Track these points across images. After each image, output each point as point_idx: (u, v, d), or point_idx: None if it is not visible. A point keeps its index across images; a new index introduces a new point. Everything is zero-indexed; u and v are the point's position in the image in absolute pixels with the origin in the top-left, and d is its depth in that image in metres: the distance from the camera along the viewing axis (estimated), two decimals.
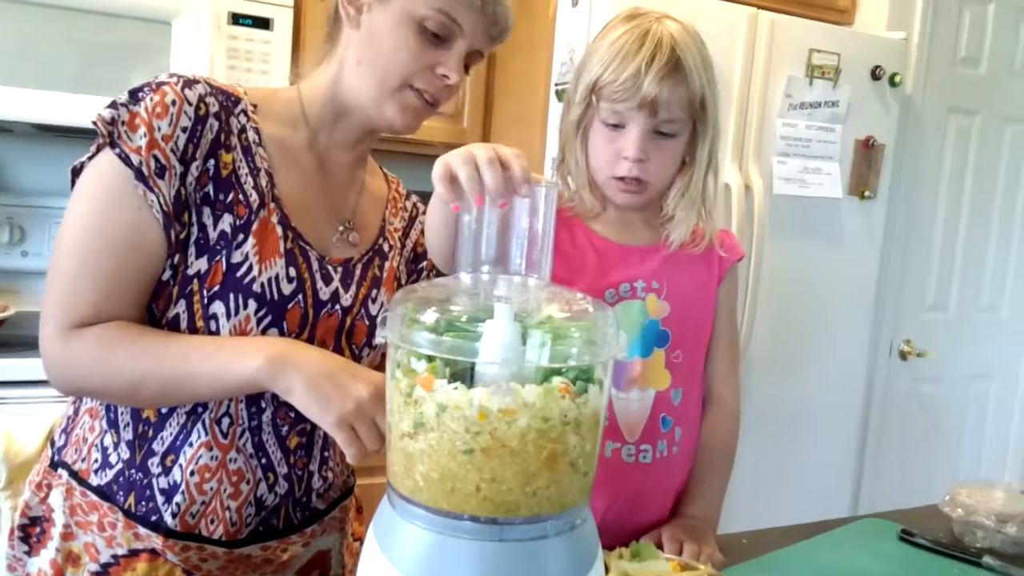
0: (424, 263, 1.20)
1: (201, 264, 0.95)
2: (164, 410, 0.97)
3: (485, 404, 0.63)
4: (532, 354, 0.65)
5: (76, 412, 1.03)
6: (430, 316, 0.67)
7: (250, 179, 0.98)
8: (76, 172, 0.96)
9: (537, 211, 0.76)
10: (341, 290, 1.05)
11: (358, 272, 1.08)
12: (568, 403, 0.65)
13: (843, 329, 2.55)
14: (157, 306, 0.96)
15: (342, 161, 1.09)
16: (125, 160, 0.91)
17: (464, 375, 0.67)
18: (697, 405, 1.25)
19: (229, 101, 0.99)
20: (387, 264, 1.13)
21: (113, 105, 0.93)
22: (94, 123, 0.92)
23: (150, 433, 0.97)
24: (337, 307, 1.04)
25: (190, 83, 0.95)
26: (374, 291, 1.09)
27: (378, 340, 0.69)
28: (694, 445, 1.25)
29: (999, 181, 2.93)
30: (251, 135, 1.00)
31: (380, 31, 0.99)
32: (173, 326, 0.95)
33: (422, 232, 1.18)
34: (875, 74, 2.40)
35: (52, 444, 1.06)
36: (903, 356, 2.80)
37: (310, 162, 1.06)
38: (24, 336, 1.92)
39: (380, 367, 0.99)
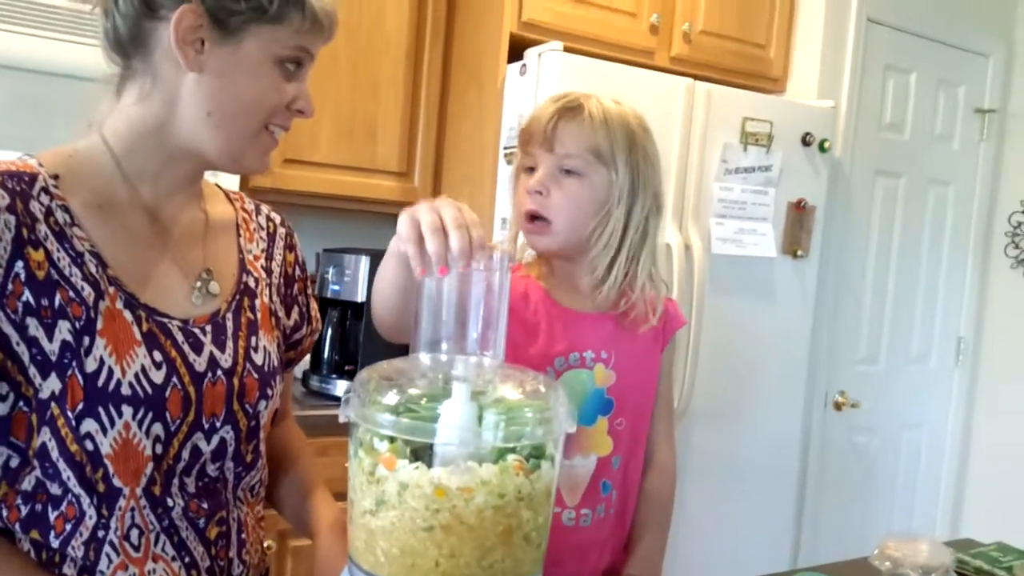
0: (296, 286, 1.12)
1: (53, 384, 0.83)
2: (56, 544, 0.86)
3: (444, 483, 0.67)
4: (488, 435, 0.69)
5: None
6: (391, 398, 0.71)
7: (75, 270, 0.86)
8: None
9: (493, 277, 0.81)
10: (216, 352, 0.94)
11: (229, 324, 0.97)
12: (522, 479, 0.69)
13: (780, 382, 2.64)
14: (18, 437, 0.85)
15: (176, 206, 0.97)
16: None
17: (424, 450, 0.71)
18: (637, 470, 1.29)
19: (22, 184, 0.85)
20: (258, 302, 1.02)
21: None
22: None
23: (57, 559, 0.86)
24: (219, 372, 0.93)
25: None
26: (252, 339, 0.99)
27: (341, 419, 0.73)
28: (631, 505, 1.29)
29: (924, 239, 3.09)
30: (60, 216, 0.86)
31: (235, 76, 0.89)
32: (42, 456, 0.84)
33: (288, 248, 1.12)
34: (805, 140, 2.54)
35: None
36: (837, 407, 2.90)
37: (140, 221, 0.93)
38: None
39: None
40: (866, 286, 2.95)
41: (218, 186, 1.10)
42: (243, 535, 1.00)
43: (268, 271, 1.07)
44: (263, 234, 1.09)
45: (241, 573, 0.99)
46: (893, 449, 3.10)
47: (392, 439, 0.70)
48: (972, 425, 3.26)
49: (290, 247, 1.13)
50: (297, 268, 1.13)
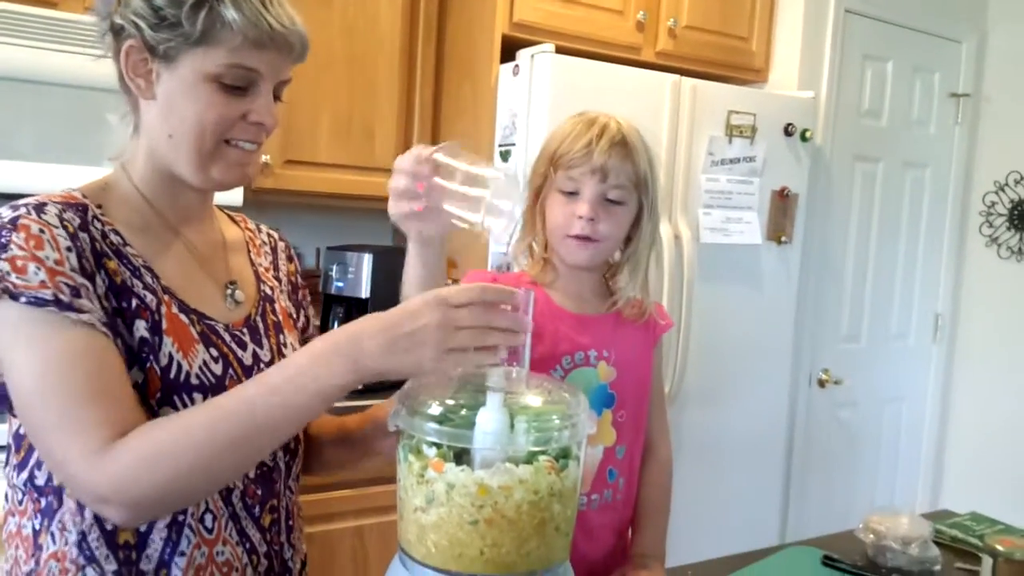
0: (300, 292, 1.21)
1: (136, 375, 0.92)
2: (143, 528, 0.94)
3: (487, 482, 0.77)
4: (521, 439, 0.79)
5: (37, 563, 0.95)
6: (435, 408, 0.81)
7: (136, 281, 0.96)
8: None
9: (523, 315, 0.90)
10: (257, 349, 1.05)
11: (261, 326, 1.09)
12: (553, 478, 0.79)
13: (766, 362, 2.76)
14: None
15: (197, 227, 1.08)
16: (37, 301, 0.86)
17: (464, 453, 0.81)
18: (637, 457, 1.41)
19: (79, 212, 0.94)
20: (277, 307, 1.14)
21: None
22: None
23: (133, 556, 0.94)
24: (262, 365, 1.04)
25: (40, 208, 0.91)
26: (280, 336, 1.10)
27: (391, 428, 0.82)
28: (634, 489, 1.41)
29: (902, 220, 3.21)
30: (114, 238, 0.97)
31: (176, 98, 0.96)
32: None
33: (288, 259, 1.22)
34: (787, 131, 2.64)
35: None
36: (821, 384, 3.03)
37: (172, 240, 1.04)
38: None
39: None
40: (847, 268, 3.06)
41: (222, 210, 1.19)
42: (291, 522, 1.10)
43: (278, 280, 1.19)
44: (267, 249, 1.21)
45: (291, 556, 1.09)
46: (875, 423, 3.24)
47: (439, 445, 0.79)
48: (950, 397, 3.40)
49: (290, 258, 1.24)
50: (298, 277, 1.25)
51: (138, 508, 0.86)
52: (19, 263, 0.86)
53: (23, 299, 0.86)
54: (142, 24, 0.94)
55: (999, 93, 3.26)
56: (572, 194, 1.30)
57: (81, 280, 0.89)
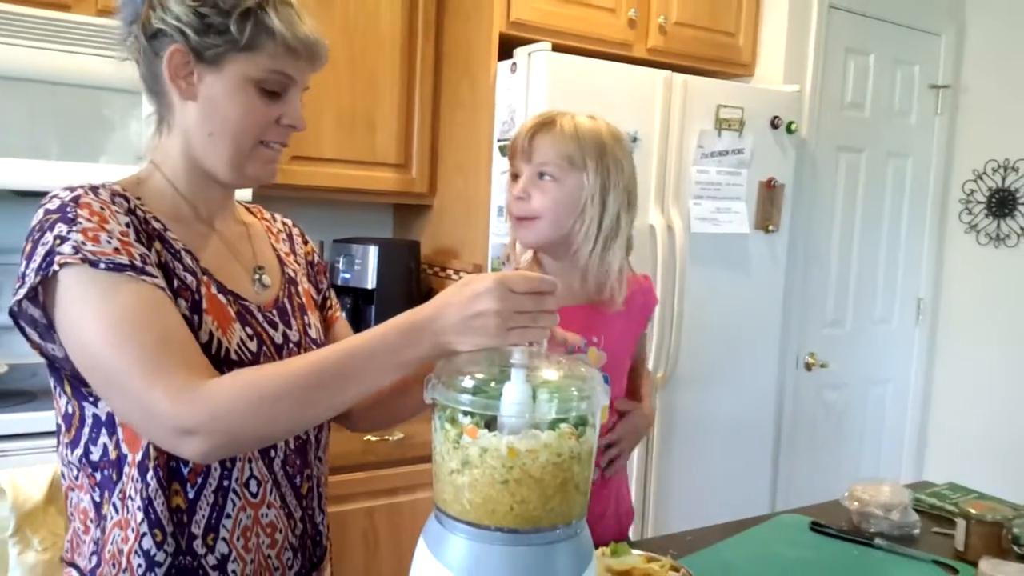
0: (317, 267, 1.31)
1: None
2: (192, 494, 1.02)
3: (516, 446, 0.87)
4: (544, 408, 0.89)
5: (103, 531, 1.03)
6: (468, 382, 0.91)
7: (177, 263, 1.03)
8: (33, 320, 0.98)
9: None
10: (286, 329, 1.14)
11: (288, 307, 1.17)
12: (574, 442, 0.89)
13: (755, 346, 2.87)
14: None
15: (225, 218, 1.16)
16: (116, 266, 0.94)
17: (492, 420, 0.90)
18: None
19: (123, 198, 1.02)
20: (300, 289, 1.22)
21: (59, 240, 0.94)
22: (61, 265, 0.93)
23: (185, 519, 1.02)
24: (291, 345, 1.13)
25: (95, 189, 1.00)
26: (305, 318, 1.19)
27: (427, 400, 0.92)
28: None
29: (884, 208, 3.32)
30: (155, 224, 1.04)
31: (221, 99, 1.03)
32: None
33: (304, 242, 1.32)
34: (774, 123, 2.74)
35: (78, 570, 1.07)
36: (808, 367, 3.14)
37: (206, 230, 1.11)
38: (18, 389, 2.05)
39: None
40: (832, 255, 3.18)
41: (239, 202, 1.27)
42: (321, 490, 1.21)
43: (298, 263, 1.28)
44: (283, 236, 1.30)
45: (322, 521, 1.20)
46: (860, 404, 3.36)
47: (472, 414, 0.89)
48: (932, 379, 3.52)
49: (305, 241, 1.34)
50: (316, 256, 1.34)
51: (227, 437, 0.91)
52: (91, 234, 0.94)
53: (102, 265, 0.93)
54: (187, 30, 1.02)
55: (977, 84, 3.38)
56: (516, 178, 1.40)
57: (144, 251, 0.97)
